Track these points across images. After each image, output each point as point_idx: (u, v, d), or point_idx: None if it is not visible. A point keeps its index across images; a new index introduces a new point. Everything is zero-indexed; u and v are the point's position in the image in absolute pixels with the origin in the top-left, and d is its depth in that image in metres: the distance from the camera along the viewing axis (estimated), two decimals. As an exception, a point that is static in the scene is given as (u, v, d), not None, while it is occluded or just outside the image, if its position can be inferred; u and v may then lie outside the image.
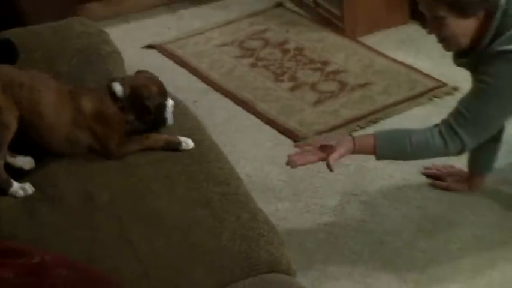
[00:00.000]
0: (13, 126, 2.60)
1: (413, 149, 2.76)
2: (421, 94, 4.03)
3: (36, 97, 2.62)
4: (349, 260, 3.04)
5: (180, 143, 2.65)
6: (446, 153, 2.80)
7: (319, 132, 3.77)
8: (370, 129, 3.75)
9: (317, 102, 4.05)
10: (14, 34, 2.88)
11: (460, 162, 3.33)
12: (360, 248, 3.09)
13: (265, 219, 2.44)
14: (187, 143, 2.65)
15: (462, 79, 3.88)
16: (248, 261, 2.26)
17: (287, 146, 3.73)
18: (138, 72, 2.84)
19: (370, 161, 3.50)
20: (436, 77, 4.13)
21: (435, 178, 3.40)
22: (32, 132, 2.65)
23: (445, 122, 2.76)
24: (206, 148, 2.78)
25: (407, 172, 3.44)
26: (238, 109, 4.07)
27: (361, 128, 3.81)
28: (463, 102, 2.76)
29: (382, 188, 3.41)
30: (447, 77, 4.11)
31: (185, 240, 2.32)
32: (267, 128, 3.92)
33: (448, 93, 3.99)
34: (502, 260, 2.95)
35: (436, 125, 2.78)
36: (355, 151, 2.74)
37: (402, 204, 3.28)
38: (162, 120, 2.76)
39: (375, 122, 3.86)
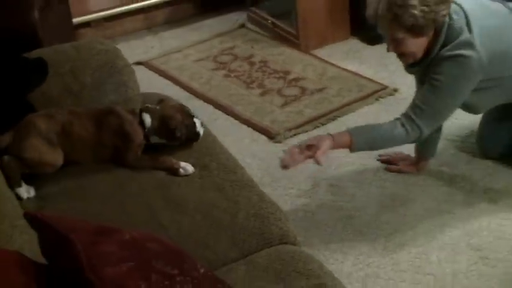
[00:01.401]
0: (59, 163, 2.59)
1: (381, 139, 2.81)
2: (368, 95, 4.04)
3: (71, 129, 2.59)
4: (326, 233, 3.04)
5: (178, 169, 2.54)
6: (407, 140, 2.84)
7: (289, 129, 3.78)
8: (330, 125, 3.79)
9: (284, 105, 4.03)
10: (43, 53, 2.82)
11: (407, 149, 3.36)
12: (333, 222, 3.09)
13: (270, 200, 2.43)
14: (186, 169, 2.55)
15: (399, 82, 3.98)
16: (262, 235, 2.24)
17: (262, 141, 3.75)
18: (162, 100, 2.76)
19: (334, 151, 3.52)
20: (378, 81, 4.16)
21: (388, 163, 3.41)
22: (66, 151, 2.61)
23: (405, 114, 2.79)
24: (211, 142, 2.75)
25: (364, 159, 3.44)
26: (218, 112, 4.05)
27: (323, 124, 3.82)
28: (419, 97, 2.80)
29: (347, 173, 3.41)
30: (387, 80, 4.14)
31: (207, 220, 2.29)
32: (244, 127, 3.90)
33: (390, 94, 4.02)
34: (450, 227, 2.98)
35: (397, 118, 2.81)
36: (334, 147, 2.75)
37: (365, 185, 3.29)
38: (194, 137, 2.68)
39: (333, 119, 3.86)
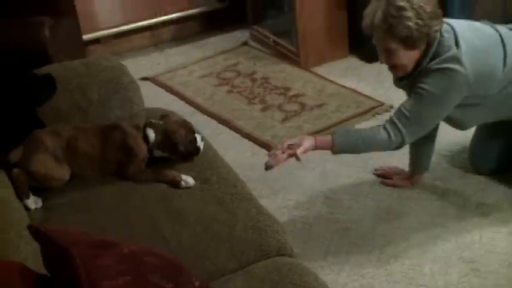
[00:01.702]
0: (66, 178, 2.60)
1: (363, 142, 2.77)
2: (366, 112, 4.02)
3: (76, 144, 2.60)
4: (323, 245, 3.02)
5: (179, 181, 2.53)
6: (389, 145, 2.79)
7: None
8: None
9: (284, 120, 4.02)
10: (51, 69, 2.82)
11: (402, 164, 3.35)
12: (330, 234, 3.07)
13: (268, 213, 2.42)
14: (187, 181, 2.53)
15: (395, 99, 3.94)
16: (260, 247, 2.22)
17: (263, 155, 3.67)
18: (165, 116, 2.76)
19: (332, 164, 3.52)
20: (375, 98, 4.14)
21: (383, 177, 3.39)
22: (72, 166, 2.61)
23: (389, 119, 2.78)
24: (212, 157, 2.74)
25: (361, 172, 3.44)
26: (221, 127, 4.04)
27: (321, 139, 3.77)
28: (404, 104, 2.78)
29: (343, 186, 3.39)
30: (384, 98, 4.12)
31: (207, 232, 2.28)
32: (246, 141, 3.88)
33: (386, 111, 4.00)
34: (442, 240, 2.96)
35: (381, 124, 2.80)
36: (316, 146, 2.73)
37: (361, 198, 3.27)
38: (195, 152, 2.67)
39: (331, 134, 3.82)
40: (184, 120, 2.76)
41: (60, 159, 2.56)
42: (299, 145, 2.69)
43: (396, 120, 2.74)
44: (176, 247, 2.21)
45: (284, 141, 2.75)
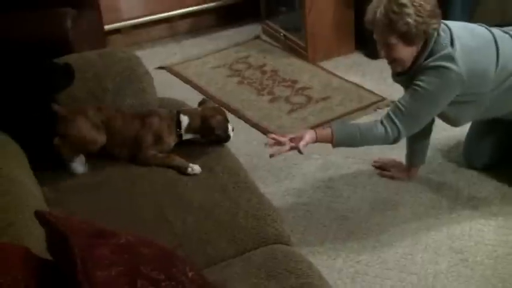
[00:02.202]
0: (102, 141, 2.63)
1: (361, 135, 2.75)
2: (367, 106, 3.98)
3: (115, 123, 2.64)
4: (322, 231, 3.00)
5: (187, 167, 2.53)
6: (386, 139, 2.76)
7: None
8: (332, 132, 3.73)
9: (291, 111, 3.99)
10: (70, 59, 2.80)
11: (400, 157, 3.31)
12: (329, 222, 3.05)
13: (268, 202, 2.40)
14: (194, 168, 2.53)
15: (396, 94, 3.85)
16: (258, 235, 2.21)
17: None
18: (203, 102, 2.87)
19: (333, 156, 3.50)
20: (377, 93, 4.10)
21: (382, 169, 3.36)
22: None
23: (386, 114, 2.77)
24: (218, 146, 2.72)
25: (360, 164, 3.42)
26: (231, 116, 3.97)
27: (325, 131, 3.75)
28: (401, 100, 2.76)
29: (343, 177, 3.37)
30: (385, 93, 4.07)
31: (210, 218, 2.26)
32: (254, 130, 3.86)
33: (387, 105, 3.93)
34: (434, 230, 2.94)
35: (379, 119, 2.78)
36: (317, 140, 2.71)
37: (359, 189, 3.25)
38: (226, 138, 2.72)
39: (334, 126, 3.79)
40: (220, 108, 2.85)
41: (98, 126, 2.61)
42: (300, 138, 2.66)
43: (393, 115, 2.72)
44: (180, 231, 2.21)
45: (286, 135, 2.72)
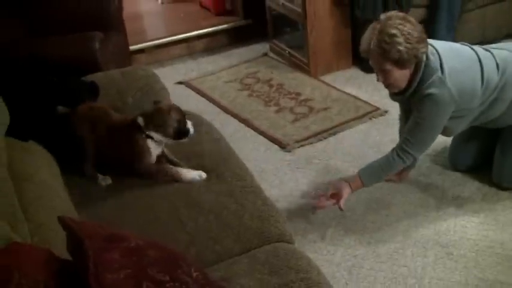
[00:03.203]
0: (88, 139, 2.53)
1: (384, 171, 2.84)
2: (363, 115, 3.93)
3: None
4: (322, 229, 2.96)
5: (180, 176, 2.45)
6: (405, 165, 2.85)
7: (297, 141, 3.70)
8: (331, 139, 3.70)
9: (294, 120, 3.94)
10: (97, 77, 2.80)
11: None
12: (328, 220, 3.01)
13: (272, 203, 2.35)
14: (191, 176, 2.45)
15: (389, 105, 3.88)
16: (263, 234, 2.17)
17: (275, 150, 3.67)
18: (155, 102, 2.57)
19: (333, 160, 3.46)
20: (372, 103, 4.06)
21: (377, 172, 3.32)
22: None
23: (399, 147, 2.78)
24: (226, 154, 2.67)
25: (357, 168, 3.24)
26: (241, 125, 3.98)
27: (325, 138, 3.72)
28: (409, 132, 2.76)
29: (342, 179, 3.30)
30: (379, 104, 4.03)
31: (218, 219, 2.22)
32: (261, 137, 3.81)
33: (381, 115, 3.91)
34: (423, 227, 2.90)
35: (393, 150, 2.80)
36: (352, 191, 2.82)
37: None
38: (184, 133, 2.48)
39: (334, 134, 3.76)
40: (175, 105, 2.54)
41: None
42: (339, 195, 2.79)
43: (406, 147, 2.74)
44: (192, 230, 2.17)
45: (327, 192, 2.89)
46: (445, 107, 2.64)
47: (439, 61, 2.64)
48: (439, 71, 2.61)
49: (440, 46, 2.70)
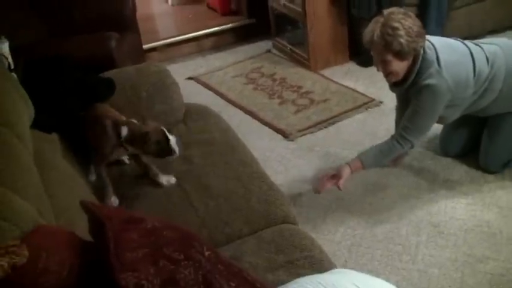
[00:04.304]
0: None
1: (384, 156, 2.80)
2: (360, 106, 3.91)
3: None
4: (323, 210, 2.96)
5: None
6: (403, 151, 2.83)
7: (299, 130, 3.69)
8: (331, 128, 3.69)
9: (297, 112, 3.93)
10: (112, 73, 2.79)
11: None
12: (329, 203, 3.01)
13: (277, 188, 2.34)
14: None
15: (384, 96, 3.87)
16: (269, 216, 2.17)
17: (279, 139, 3.67)
18: (145, 120, 2.42)
19: (333, 148, 3.45)
20: (368, 95, 4.04)
21: (373, 158, 3.31)
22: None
23: (399, 134, 2.76)
24: (234, 143, 2.67)
25: (356, 154, 3.28)
26: (247, 117, 3.97)
27: (325, 127, 3.71)
28: (407, 119, 2.74)
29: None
30: (375, 95, 4.01)
31: (227, 203, 2.23)
32: (266, 128, 3.80)
33: (376, 105, 3.89)
34: (416, 208, 2.89)
35: (393, 136, 2.79)
36: (352, 172, 2.77)
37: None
38: (168, 153, 2.30)
39: (333, 123, 3.74)
40: (160, 126, 2.34)
41: None
42: (339, 176, 2.73)
43: (405, 134, 2.72)
44: (203, 214, 2.18)
45: (328, 172, 2.83)
46: (442, 96, 2.64)
47: (435, 54, 2.63)
48: (436, 63, 2.61)
49: (437, 41, 2.70)
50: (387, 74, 2.70)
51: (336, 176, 2.75)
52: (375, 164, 2.84)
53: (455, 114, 2.86)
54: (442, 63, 2.62)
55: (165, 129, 2.31)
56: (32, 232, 1.32)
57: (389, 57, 2.59)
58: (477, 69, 2.70)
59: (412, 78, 2.66)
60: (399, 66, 2.63)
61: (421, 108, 2.68)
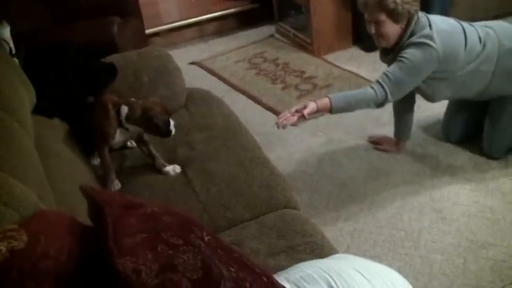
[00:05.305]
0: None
1: (355, 100, 2.65)
2: (363, 91, 3.89)
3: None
4: (326, 196, 2.95)
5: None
6: (376, 100, 2.63)
7: (302, 116, 3.67)
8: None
9: (300, 96, 3.91)
10: (115, 58, 2.77)
11: (391, 133, 3.24)
12: (331, 188, 2.99)
13: (279, 173, 2.34)
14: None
15: None
16: (271, 201, 2.15)
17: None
18: (145, 96, 2.44)
19: (336, 133, 3.44)
20: (371, 80, 3.96)
21: (376, 143, 3.29)
22: None
23: (376, 80, 2.67)
24: (236, 128, 2.66)
25: (358, 140, 3.36)
26: (250, 102, 3.96)
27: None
28: (388, 69, 2.68)
29: (344, 150, 3.30)
30: (378, 80, 3.98)
31: (229, 188, 2.21)
32: (268, 113, 3.79)
33: (379, 90, 3.87)
34: (419, 194, 2.88)
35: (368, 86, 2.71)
36: (318, 109, 2.57)
37: (357, 160, 3.19)
38: (167, 132, 2.30)
39: (336, 108, 3.72)
40: (163, 102, 2.35)
41: None
42: (304, 107, 2.54)
43: (381, 81, 2.63)
44: (205, 199, 2.16)
45: (291, 108, 2.62)
46: (429, 59, 2.60)
47: (428, 21, 2.64)
48: (428, 28, 2.61)
49: (430, 14, 2.72)
50: (378, 36, 2.68)
51: (300, 110, 2.54)
52: (343, 106, 2.62)
53: (444, 92, 2.80)
54: (434, 29, 2.62)
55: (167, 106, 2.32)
56: (31, 217, 1.31)
57: (383, 16, 2.59)
58: (468, 44, 2.68)
59: (404, 40, 2.64)
60: (391, 29, 2.62)
61: (406, 60, 2.60)
